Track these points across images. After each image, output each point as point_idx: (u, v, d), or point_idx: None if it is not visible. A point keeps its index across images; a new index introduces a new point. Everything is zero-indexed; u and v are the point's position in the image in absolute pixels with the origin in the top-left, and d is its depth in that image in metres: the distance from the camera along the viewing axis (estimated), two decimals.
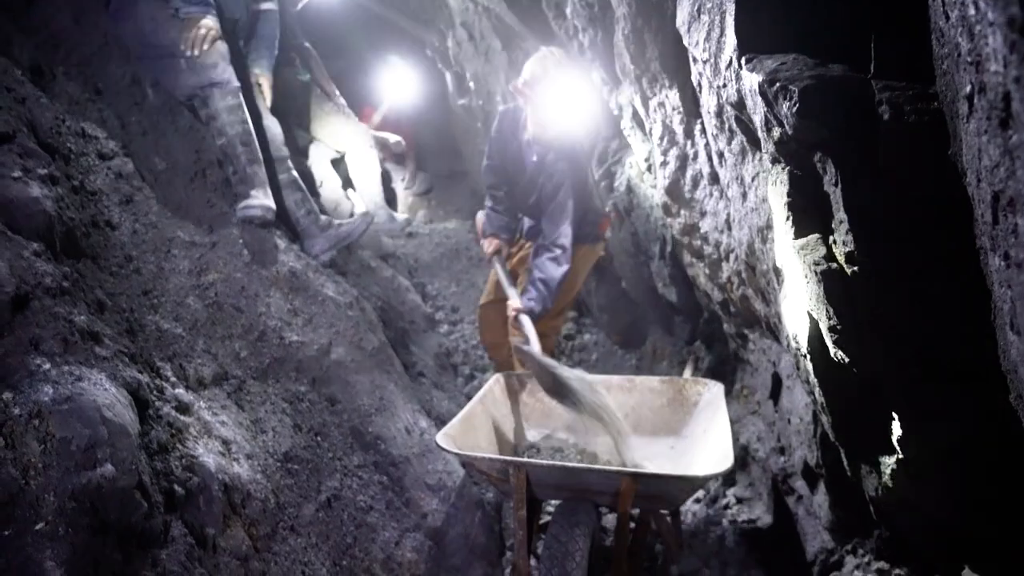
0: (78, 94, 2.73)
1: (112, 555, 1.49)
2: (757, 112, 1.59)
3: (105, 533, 1.49)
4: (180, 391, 2.05)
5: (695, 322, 3.71)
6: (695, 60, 2.11)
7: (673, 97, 2.56)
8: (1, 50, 2.46)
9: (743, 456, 2.90)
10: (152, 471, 1.68)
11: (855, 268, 1.38)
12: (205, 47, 2.78)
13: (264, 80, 3.35)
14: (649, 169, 3.34)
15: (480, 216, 3.49)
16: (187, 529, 1.70)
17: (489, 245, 3.32)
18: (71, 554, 1.41)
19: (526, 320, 2.87)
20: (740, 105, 1.75)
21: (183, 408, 1.99)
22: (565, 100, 2.92)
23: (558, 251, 2.98)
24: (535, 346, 2.70)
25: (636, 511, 2.11)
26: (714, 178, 2.52)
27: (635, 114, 3.16)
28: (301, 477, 2.20)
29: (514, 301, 2.97)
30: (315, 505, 2.17)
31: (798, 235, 1.56)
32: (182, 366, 2.17)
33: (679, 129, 2.62)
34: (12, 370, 1.60)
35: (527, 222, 3.42)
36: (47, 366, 1.65)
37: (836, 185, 1.37)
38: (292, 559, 1.97)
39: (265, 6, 3.42)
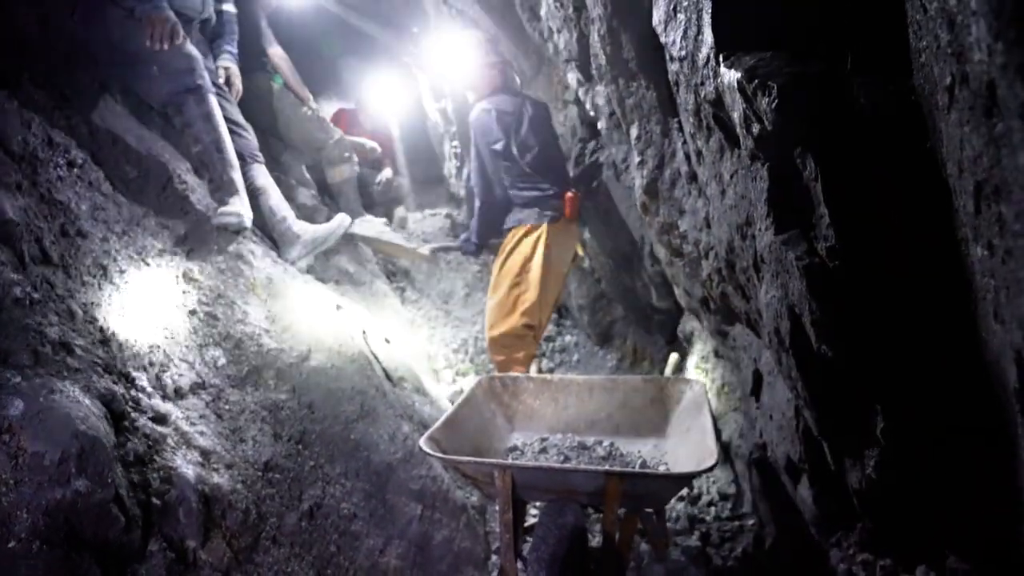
0: (45, 101, 2.67)
1: (89, 571, 1.45)
2: (736, 109, 1.60)
3: (81, 549, 1.46)
4: (156, 401, 2.01)
5: (675, 321, 3.73)
6: (672, 59, 2.11)
7: (650, 96, 2.56)
8: None
9: (726, 453, 2.91)
10: (129, 484, 1.65)
11: (837, 262, 1.39)
12: (169, 43, 2.74)
13: (232, 72, 3.33)
14: (626, 169, 3.34)
15: None
16: (166, 543, 1.66)
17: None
18: (46, 572, 1.37)
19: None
20: (718, 102, 1.75)
21: (160, 419, 1.95)
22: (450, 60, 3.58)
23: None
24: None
25: (622, 511, 2.10)
26: (692, 177, 2.52)
27: (612, 114, 3.16)
28: (283, 486, 2.16)
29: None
30: (297, 514, 2.13)
31: (779, 231, 1.57)
32: (158, 376, 2.12)
33: (656, 128, 2.63)
34: None
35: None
36: (17, 379, 1.61)
37: (816, 180, 1.38)
38: (275, 570, 1.94)
39: (226, 7, 3.42)
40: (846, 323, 1.44)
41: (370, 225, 3.81)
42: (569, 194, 3.53)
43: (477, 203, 3.65)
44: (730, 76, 1.54)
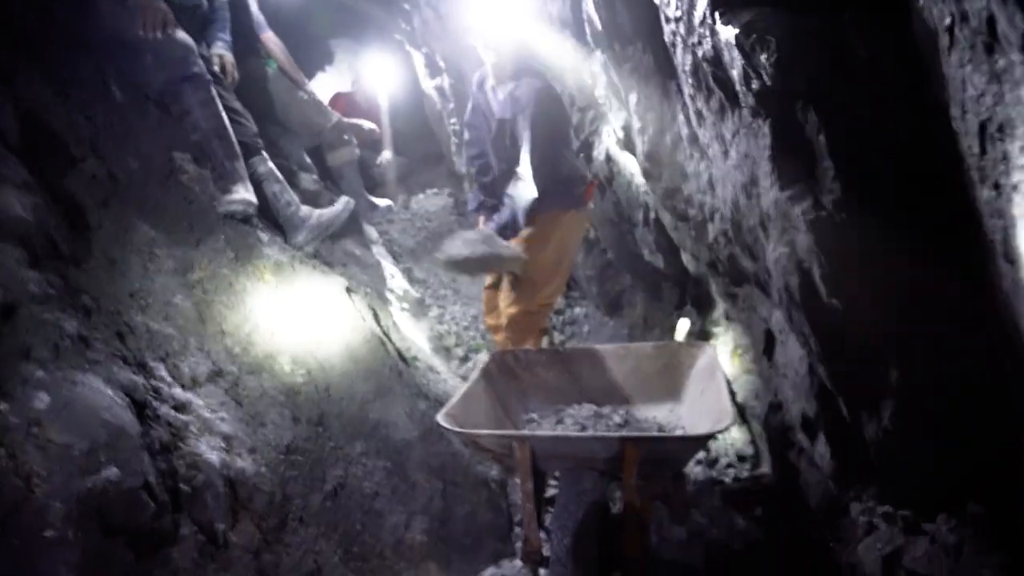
0: (44, 95, 2.66)
1: (124, 556, 1.49)
2: (735, 66, 1.59)
3: (114, 535, 1.49)
4: (176, 390, 2.03)
5: (683, 286, 3.73)
6: (667, 20, 2.10)
7: (647, 60, 2.54)
8: None
9: (742, 414, 2.93)
10: (156, 471, 1.68)
11: (843, 214, 1.39)
12: (162, 31, 2.73)
13: (226, 58, 3.31)
14: (627, 136, 3.33)
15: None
16: (196, 526, 1.70)
17: (479, 219, 3.34)
18: (82, 558, 1.40)
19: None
20: (716, 61, 1.74)
21: (181, 407, 1.98)
22: (507, 29, 2.95)
23: (521, 174, 3.03)
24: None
25: (641, 476, 2.12)
26: (693, 139, 2.51)
27: (609, 81, 3.14)
28: (305, 468, 2.20)
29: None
30: (322, 495, 2.17)
31: (784, 187, 1.57)
32: (176, 365, 2.15)
33: (655, 93, 2.61)
34: (5, 379, 1.58)
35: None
36: (40, 373, 1.64)
37: (819, 133, 1.38)
38: (303, 549, 1.98)
39: None
40: (855, 275, 1.44)
41: (460, 242, 3.08)
42: (591, 179, 3.45)
43: (535, 183, 2.98)
44: (727, 32, 1.53)
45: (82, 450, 1.53)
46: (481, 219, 3.37)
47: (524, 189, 2.98)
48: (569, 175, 3.19)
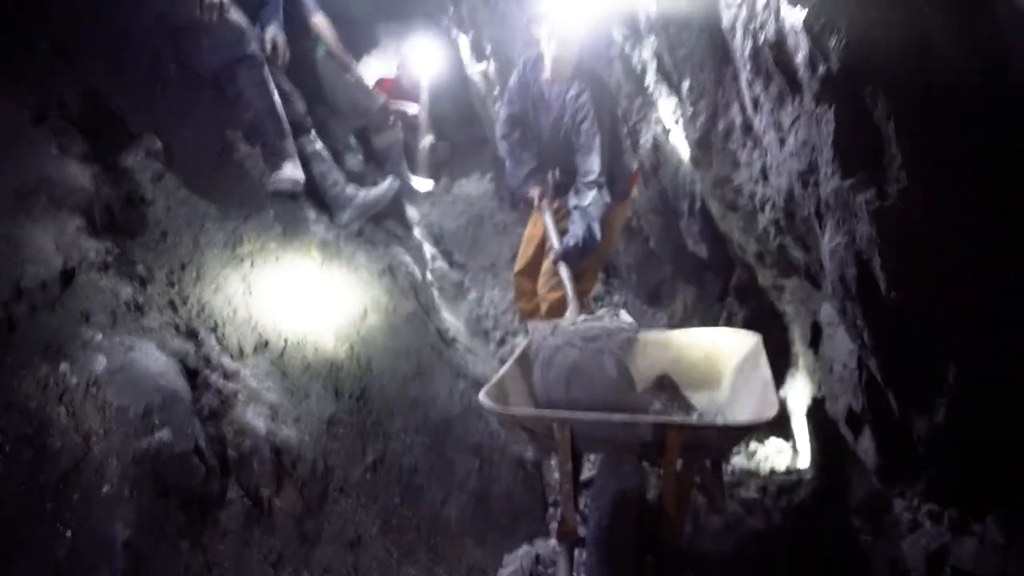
0: (102, 75, 2.73)
1: (175, 517, 1.53)
2: (800, 50, 1.56)
3: (167, 496, 1.53)
4: (226, 359, 2.08)
5: (726, 277, 3.68)
6: (728, 4, 2.06)
7: (702, 45, 2.50)
8: (24, 42, 2.46)
9: (782, 407, 2.89)
10: (207, 436, 1.72)
11: (909, 204, 1.36)
12: (217, 14, 2.77)
13: (278, 39, 3.33)
14: (676, 124, 3.28)
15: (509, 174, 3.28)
16: (243, 491, 1.74)
17: (532, 191, 3.13)
18: (138, 516, 1.45)
19: (564, 271, 2.76)
20: (779, 46, 1.71)
21: (230, 375, 2.02)
22: (578, 25, 2.80)
23: (592, 183, 2.83)
24: (571, 302, 2.65)
25: (680, 463, 2.11)
26: (747, 128, 2.47)
27: (660, 67, 3.10)
28: (347, 440, 2.23)
29: (556, 245, 2.86)
30: (362, 467, 2.20)
31: (846, 175, 1.53)
32: (225, 335, 2.20)
33: (709, 78, 2.57)
34: (67, 341, 1.63)
35: (558, 175, 3.22)
36: (99, 337, 1.69)
37: (888, 119, 1.34)
38: (344, 519, 2.01)
39: None
40: (918, 267, 1.41)
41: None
42: (635, 170, 3.40)
43: (607, 199, 2.90)
44: (794, 16, 1.49)
45: (137, 412, 1.57)
46: (536, 194, 3.11)
47: (594, 200, 2.84)
48: (622, 171, 3.16)
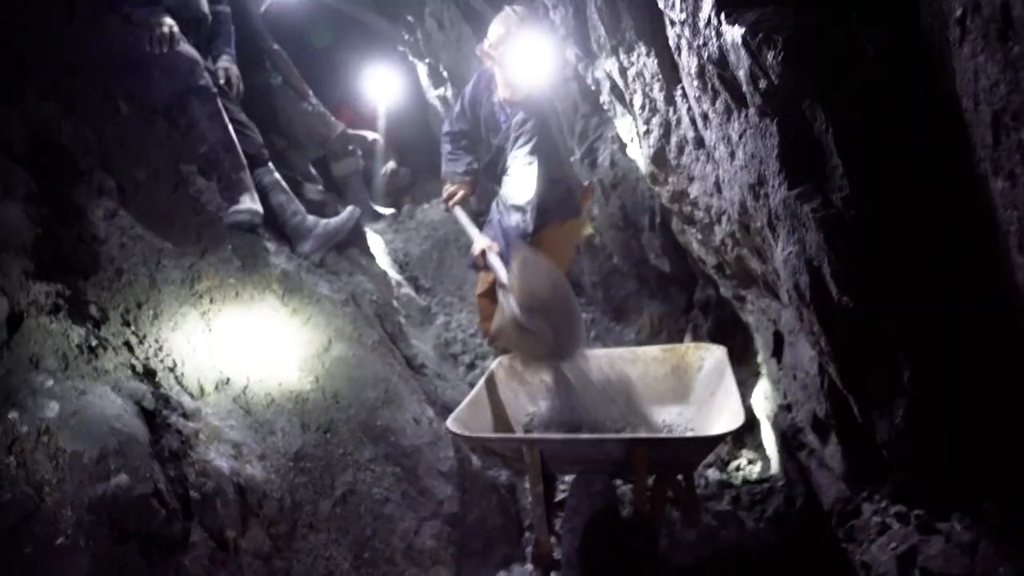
0: (51, 111, 2.68)
1: (135, 563, 1.49)
2: (741, 66, 1.59)
3: (126, 542, 1.49)
4: (185, 399, 2.04)
5: (690, 290, 3.72)
6: (672, 23, 2.10)
7: (651, 64, 2.54)
8: None
9: (750, 417, 2.91)
10: (167, 478, 1.67)
11: (853, 212, 1.39)
12: (168, 46, 2.76)
13: (231, 71, 3.32)
14: (632, 141, 3.33)
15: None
16: (207, 533, 1.70)
17: (456, 187, 3.28)
18: (93, 565, 1.40)
19: (494, 257, 2.81)
20: (722, 62, 1.74)
21: (190, 415, 1.98)
22: (530, 57, 2.89)
23: (518, 207, 2.99)
24: (503, 277, 2.62)
25: (651, 478, 2.11)
26: (699, 142, 2.51)
27: (613, 87, 3.15)
28: (315, 474, 2.19)
29: (478, 241, 2.94)
30: (331, 501, 2.16)
31: (792, 185, 1.56)
32: (184, 374, 2.15)
33: (660, 96, 2.61)
34: (15, 389, 1.58)
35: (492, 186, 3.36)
36: (50, 383, 1.64)
37: (827, 130, 1.38)
38: (314, 555, 1.97)
39: (220, 7, 3.42)
40: (866, 272, 1.44)
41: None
42: (588, 186, 3.47)
43: (527, 228, 3.01)
44: (733, 33, 1.53)
45: (92, 458, 1.53)
46: (452, 191, 3.31)
47: (518, 222, 2.99)
48: (568, 188, 3.24)
